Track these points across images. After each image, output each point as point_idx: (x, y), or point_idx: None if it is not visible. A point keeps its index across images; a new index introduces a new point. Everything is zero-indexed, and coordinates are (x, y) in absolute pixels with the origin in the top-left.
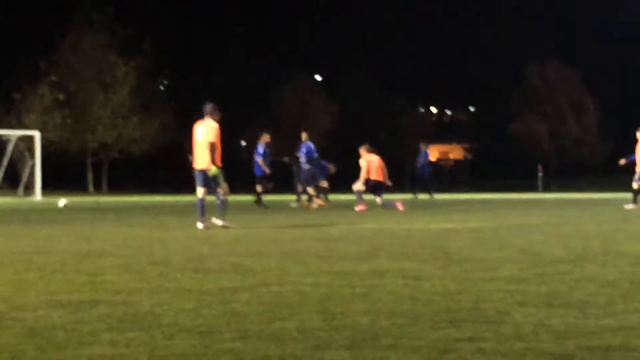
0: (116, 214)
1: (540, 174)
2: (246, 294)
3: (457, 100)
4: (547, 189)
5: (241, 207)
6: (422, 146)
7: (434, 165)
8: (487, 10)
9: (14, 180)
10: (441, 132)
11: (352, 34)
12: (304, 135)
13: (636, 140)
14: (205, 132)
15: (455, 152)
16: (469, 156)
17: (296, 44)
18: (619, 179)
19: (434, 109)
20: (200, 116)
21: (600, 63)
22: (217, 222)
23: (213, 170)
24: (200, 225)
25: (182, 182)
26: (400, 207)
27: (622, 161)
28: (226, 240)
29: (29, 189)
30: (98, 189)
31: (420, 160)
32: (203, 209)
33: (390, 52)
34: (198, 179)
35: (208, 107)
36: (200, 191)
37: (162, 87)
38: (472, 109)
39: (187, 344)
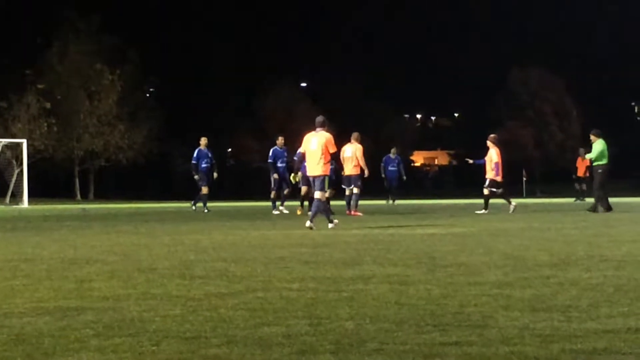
0: (102, 221)
1: (524, 179)
2: (232, 299)
3: (442, 107)
4: (531, 194)
5: (225, 214)
6: (392, 152)
7: (416, 172)
8: (471, 17)
9: (1, 188)
10: (426, 139)
11: (337, 40)
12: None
13: (487, 148)
14: (319, 142)
15: (441, 158)
16: (454, 162)
17: (281, 51)
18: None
19: (418, 116)
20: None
21: (583, 69)
22: (330, 225)
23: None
24: (330, 225)
25: (168, 189)
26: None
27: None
28: (212, 247)
29: (16, 196)
30: (85, 197)
31: (389, 166)
32: (328, 211)
33: (375, 59)
34: (307, 183)
35: (320, 119)
36: (319, 195)
37: (148, 95)
38: (456, 115)
39: (174, 350)
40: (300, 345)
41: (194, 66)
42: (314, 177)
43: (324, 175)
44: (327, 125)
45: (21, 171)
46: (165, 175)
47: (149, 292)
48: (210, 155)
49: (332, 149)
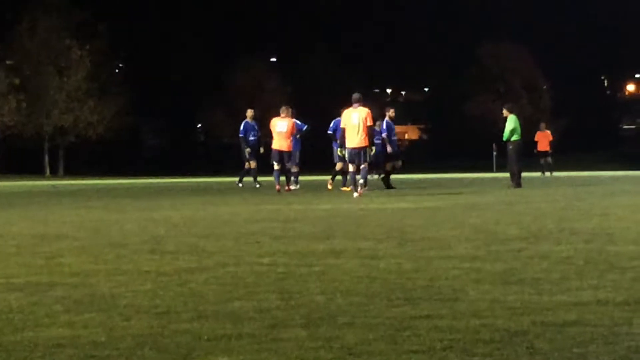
0: (72, 197)
1: (494, 154)
2: (203, 274)
3: (412, 81)
4: (501, 168)
5: (195, 190)
6: (377, 124)
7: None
8: None
9: None
10: (396, 113)
11: (307, 14)
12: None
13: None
14: (360, 117)
15: (411, 133)
16: (425, 136)
17: (251, 25)
18: (570, 158)
19: (389, 90)
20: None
21: (553, 43)
22: (356, 194)
23: (374, 148)
24: (355, 194)
25: (137, 165)
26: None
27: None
28: (182, 222)
29: None
30: (55, 173)
31: (374, 139)
32: (355, 181)
33: (344, 33)
34: (350, 156)
35: (357, 96)
36: (351, 167)
37: (117, 71)
38: (426, 89)
39: (145, 325)
40: (271, 320)
41: (163, 41)
42: (359, 149)
43: (367, 146)
44: (363, 101)
45: None
46: (135, 150)
47: (119, 267)
48: (257, 127)
49: (370, 122)
